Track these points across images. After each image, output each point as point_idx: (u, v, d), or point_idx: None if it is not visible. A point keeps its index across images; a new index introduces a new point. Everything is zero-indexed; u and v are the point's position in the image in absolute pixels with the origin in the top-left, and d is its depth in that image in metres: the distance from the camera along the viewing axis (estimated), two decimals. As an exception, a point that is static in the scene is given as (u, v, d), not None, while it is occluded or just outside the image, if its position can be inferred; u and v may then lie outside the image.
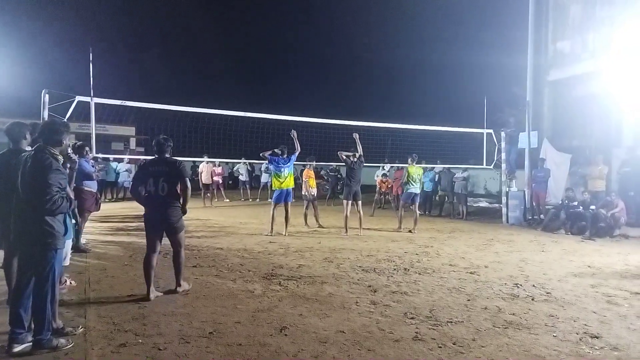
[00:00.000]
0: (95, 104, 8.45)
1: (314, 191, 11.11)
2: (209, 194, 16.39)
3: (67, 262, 4.20)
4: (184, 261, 5.39)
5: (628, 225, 10.53)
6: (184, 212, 5.16)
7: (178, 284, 5.18)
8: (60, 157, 3.60)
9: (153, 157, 5.23)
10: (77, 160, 5.55)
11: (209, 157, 15.32)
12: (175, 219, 5.08)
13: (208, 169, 16.10)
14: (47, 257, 3.49)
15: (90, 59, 8.27)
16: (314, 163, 11.42)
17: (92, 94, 8.34)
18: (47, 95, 7.73)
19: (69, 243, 3.93)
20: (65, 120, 7.34)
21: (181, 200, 5.09)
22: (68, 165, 3.72)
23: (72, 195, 3.87)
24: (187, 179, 5.11)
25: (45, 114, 7.64)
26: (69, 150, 5.53)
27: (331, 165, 19.27)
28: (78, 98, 8.20)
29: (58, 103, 7.98)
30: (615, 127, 13.05)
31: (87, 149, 7.59)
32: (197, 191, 17.95)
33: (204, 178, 16.13)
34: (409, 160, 10.96)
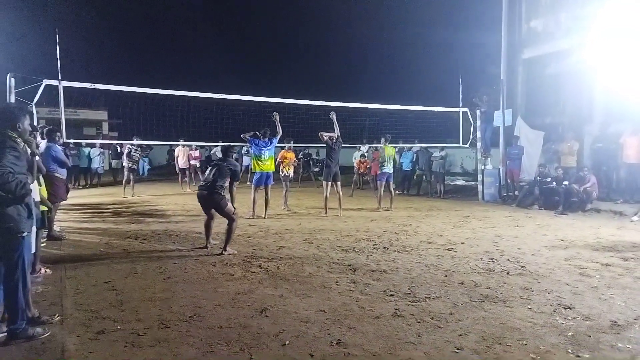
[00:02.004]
0: (64, 87, 8.20)
1: (288, 173, 11.03)
2: (186, 179, 16.19)
3: (34, 249, 4.08)
4: (233, 231, 6.35)
5: (599, 200, 10.82)
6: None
7: (223, 249, 6.22)
8: (19, 141, 3.46)
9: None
10: (38, 144, 5.36)
11: (184, 141, 15.10)
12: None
13: (184, 152, 15.87)
14: (12, 243, 3.38)
15: (57, 40, 7.98)
16: (292, 144, 11.35)
17: (60, 77, 8.08)
18: (12, 80, 7.45)
19: (34, 229, 3.79)
20: (33, 104, 7.11)
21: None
22: (29, 150, 3.57)
23: (31, 182, 3.69)
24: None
25: (12, 99, 7.38)
26: (36, 135, 5.35)
27: (309, 147, 19.32)
28: (45, 81, 7.94)
29: (25, 87, 7.71)
30: (587, 104, 13.30)
31: (57, 134, 7.35)
32: (173, 175, 17.76)
33: (181, 162, 15.90)
34: (382, 140, 10.98)
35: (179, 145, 15.47)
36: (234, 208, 6.47)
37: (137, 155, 13.81)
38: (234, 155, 6.97)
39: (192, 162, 16.33)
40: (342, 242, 7.12)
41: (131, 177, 13.54)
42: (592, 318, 3.88)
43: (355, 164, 16.12)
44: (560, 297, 4.45)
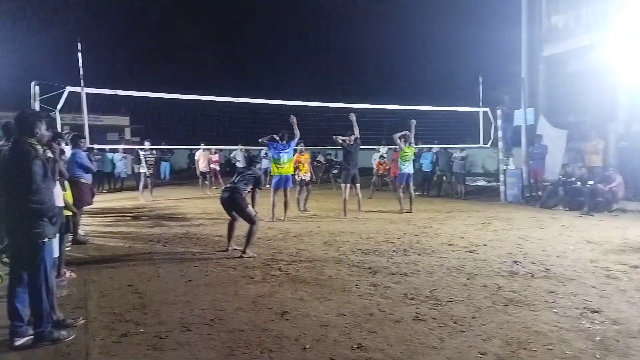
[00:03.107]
0: (87, 94, 8.37)
1: (305, 176, 10.99)
2: (206, 182, 16.34)
3: (56, 254, 4.16)
4: (254, 234, 6.44)
5: (626, 200, 10.54)
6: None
7: (243, 251, 6.29)
8: (39, 147, 3.54)
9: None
10: (61, 150, 5.45)
11: (205, 145, 15.25)
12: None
13: (205, 156, 16.02)
14: (35, 248, 3.46)
15: (79, 48, 8.16)
16: (302, 147, 11.27)
17: (82, 84, 8.25)
18: (37, 87, 7.63)
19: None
20: (57, 111, 7.27)
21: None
22: (49, 155, 3.64)
23: (53, 188, 3.77)
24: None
25: (36, 106, 7.56)
26: (60, 142, 5.45)
27: (327, 150, 19.32)
28: (69, 88, 8.12)
29: (49, 94, 7.90)
30: (610, 101, 12.96)
31: (82, 140, 7.50)
32: (194, 179, 17.97)
33: (201, 166, 16.06)
34: (402, 141, 10.90)
35: (199, 149, 15.64)
36: (255, 212, 6.50)
37: (152, 159, 13.93)
38: (258, 165, 7.23)
39: (212, 165, 16.47)
40: (362, 244, 7.08)
41: (148, 181, 13.71)
42: (620, 322, 3.77)
43: (374, 166, 16.05)
44: (586, 300, 4.33)
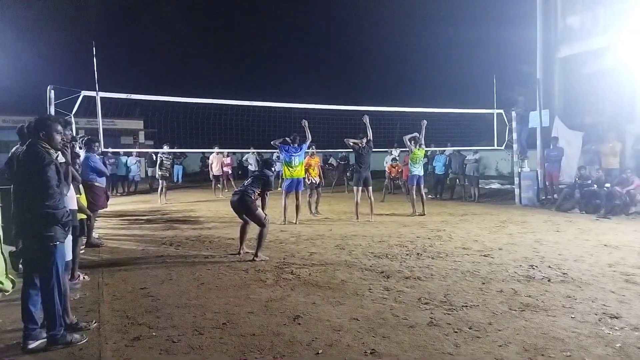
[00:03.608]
0: (101, 98, 8.44)
1: (315, 179, 10.93)
2: (219, 185, 16.41)
3: (69, 257, 4.19)
4: (264, 237, 6.40)
5: (644, 202, 10.33)
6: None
7: (255, 255, 6.27)
8: (53, 152, 3.57)
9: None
10: (75, 153, 5.50)
11: (218, 148, 15.34)
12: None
13: (218, 160, 16.11)
14: (47, 251, 3.48)
15: (94, 52, 8.24)
16: (313, 150, 11.24)
17: (97, 88, 8.33)
18: (52, 91, 7.72)
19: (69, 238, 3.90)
20: (72, 115, 7.34)
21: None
22: (63, 159, 3.67)
23: (66, 192, 3.81)
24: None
25: (52, 110, 7.64)
26: (75, 145, 5.50)
27: (340, 152, 19.28)
28: (83, 93, 8.20)
29: (64, 99, 7.98)
30: (628, 103, 12.75)
31: (96, 144, 7.56)
32: (206, 182, 18.05)
33: (215, 169, 16.15)
34: (412, 143, 10.79)
35: (212, 152, 15.73)
36: (265, 214, 6.48)
37: (169, 163, 14.17)
38: (273, 169, 7.17)
39: (225, 169, 16.55)
40: (374, 248, 7.02)
41: (164, 184, 13.88)
42: (641, 328, 3.67)
43: (386, 169, 15.97)
44: (605, 305, 4.23)
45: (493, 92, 13.11)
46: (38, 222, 3.45)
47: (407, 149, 11.06)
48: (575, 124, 13.51)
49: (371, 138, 10.08)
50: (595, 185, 10.48)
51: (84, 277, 5.37)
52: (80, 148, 7.11)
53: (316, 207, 10.93)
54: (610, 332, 3.61)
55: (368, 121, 10.10)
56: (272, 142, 9.74)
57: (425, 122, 10.78)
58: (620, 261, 5.93)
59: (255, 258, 6.24)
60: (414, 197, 10.93)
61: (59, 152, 3.73)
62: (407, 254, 6.53)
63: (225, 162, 16.56)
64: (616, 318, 3.90)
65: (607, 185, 10.24)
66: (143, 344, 3.54)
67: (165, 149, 13.90)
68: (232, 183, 16.95)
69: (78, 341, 3.55)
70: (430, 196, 13.98)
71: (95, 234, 7.68)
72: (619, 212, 9.99)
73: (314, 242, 7.55)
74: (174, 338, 3.62)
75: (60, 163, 3.61)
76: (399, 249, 6.88)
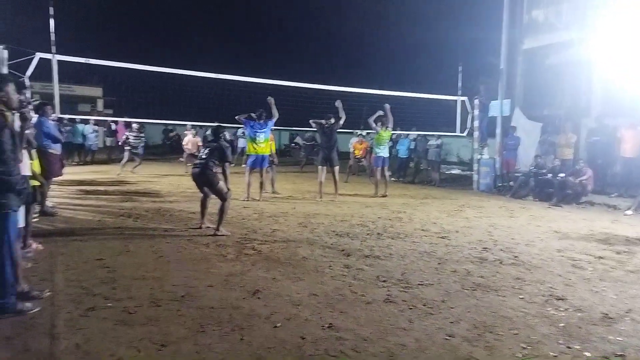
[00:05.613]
0: (58, 61, 8.06)
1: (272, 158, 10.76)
2: (189, 164, 16.08)
3: (22, 224, 4.04)
4: (226, 211, 6.32)
5: (594, 193, 10.83)
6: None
7: (216, 229, 6.19)
8: (8, 113, 3.39)
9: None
10: (30, 117, 5.25)
11: (191, 127, 14.96)
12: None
13: (194, 142, 15.76)
14: None
15: (51, 12, 7.82)
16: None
17: (53, 51, 7.93)
18: (5, 51, 7.30)
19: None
20: (26, 77, 6.99)
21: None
22: (18, 123, 3.49)
23: (20, 158, 3.64)
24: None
25: (4, 70, 7.24)
26: (28, 108, 5.24)
27: (307, 131, 19.24)
28: (39, 54, 7.80)
29: (18, 60, 7.57)
30: (584, 96, 13.26)
31: (49, 107, 7.21)
32: (169, 155, 17.69)
33: (191, 148, 15.78)
34: (379, 124, 10.84)
35: (188, 135, 15.30)
36: (228, 188, 6.41)
37: (137, 142, 13.92)
38: (226, 136, 6.87)
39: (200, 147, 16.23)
40: (337, 227, 7.10)
41: (135, 158, 13.79)
42: (583, 310, 3.89)
43: (351, 147, 15.97)
44: (552, 288, 4.45)
45: (458, 79, 13.33)
46: None
47: (374, 131, 11.10)
48: (535, 115, 13.94)
49: (342, 123, 10.01)
50: (550, 175, 10.89)
51: (37, 246, 5.18)
52: (34, 112, 6.79)
53: (273, 187, 10.78)
54: (556, 313, 3.81)
55: (341, 105, 10.06)
56: (236, 117, 9.58)
57: (388, 105, 10.74)
58: (569, 247, 6.23)
59: (216, 232, 6.19)
60: (378, 178, 11.06)
61: (16, 114, 3.54)
62: (368, 234, 6.64)
63: (200, 143, 16.21)
64: (562, 300, 4.12)
65: (561, 175, 10.67)
66: (98, 315, 3.47)
67: (135, 127, 13.59)
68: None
69: (29, 310, 3.45)
70: (393, 179, 14.17)
71: (49, 203, 7.41)
72: (570, 200, 10.44)
73: (277, 219, 7.55)
74: (130, 309, 3.57)
75: (19, 126, 3.43)
76: (360, 229, 6.99)
